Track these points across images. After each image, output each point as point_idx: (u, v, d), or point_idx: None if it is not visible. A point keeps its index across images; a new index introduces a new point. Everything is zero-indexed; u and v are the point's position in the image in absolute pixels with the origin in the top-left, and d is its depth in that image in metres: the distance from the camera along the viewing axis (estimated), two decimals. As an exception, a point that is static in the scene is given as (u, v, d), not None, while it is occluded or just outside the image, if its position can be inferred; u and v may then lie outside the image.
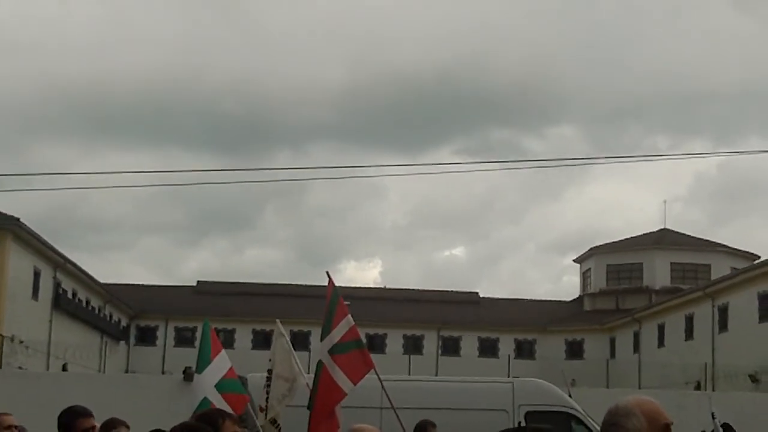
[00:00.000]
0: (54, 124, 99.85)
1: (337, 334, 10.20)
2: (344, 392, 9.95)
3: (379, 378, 10.63)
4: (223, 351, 11.01)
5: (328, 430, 9.81)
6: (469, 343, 69.30)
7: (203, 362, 10.72)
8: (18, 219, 41.82)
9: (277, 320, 12.82)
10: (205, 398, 10.24)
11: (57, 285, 49.27)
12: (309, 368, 52.46)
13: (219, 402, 9.99)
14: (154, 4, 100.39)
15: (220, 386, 10.45)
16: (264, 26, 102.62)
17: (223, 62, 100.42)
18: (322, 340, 10.48)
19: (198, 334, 68.60)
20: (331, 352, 10.13)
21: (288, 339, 12.51)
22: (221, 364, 10.69)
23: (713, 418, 9.89)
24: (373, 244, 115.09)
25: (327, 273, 10.60)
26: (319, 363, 10.20)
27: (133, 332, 68.30)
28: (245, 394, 10.71)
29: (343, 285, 10.89)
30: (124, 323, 66.00)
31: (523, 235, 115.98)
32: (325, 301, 10.50)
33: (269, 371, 11.83)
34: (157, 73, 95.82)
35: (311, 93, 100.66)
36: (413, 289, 74.87)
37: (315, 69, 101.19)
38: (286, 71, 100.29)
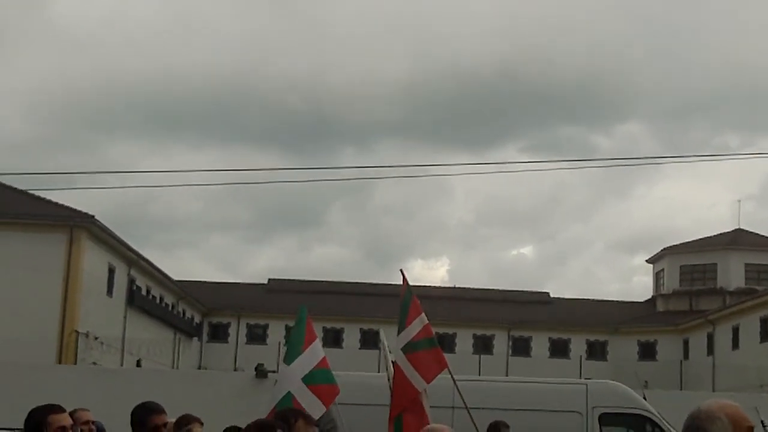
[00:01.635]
0: (122, 122, 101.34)
1: (410, 332, 10.16)
2: (418, 390, 9.90)
3: (453, 377, 10.57)
4: (318, 340, 10.48)
5: (415, 427, 9.74)
6: (540, 344, 68.79)
7: (293, 353, 10.18)
8: (93, 216, 42.44)
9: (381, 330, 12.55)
10: (289, 393, 9.80)
11: (131, 282, 49.93)
12: (379, 367, 52.49)
13: (304, 396, 9.65)
14: (218, 1, 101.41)
15: (309, 378, 9.92)
16: (327, 22, 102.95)
17: (287, 58, 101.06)
18: (397, 337, 10.43)
19: (269, 332, 69.69)
20: (405, 350, 10.11)
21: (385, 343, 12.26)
22: (314, 354, 10.15)
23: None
24: (440, 242, 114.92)
25: (401, 271, 10.56)
26: (393, 361, 10.17)
27: (205, 329, 69.02)
28: (336, 386, 10.11)
29: (410, 284, 10.75)
30: (197, 320, 66.72)
31: (591, 233, 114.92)
32: (399, 300, 10.45)
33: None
34: (223, 70, 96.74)
35: (374, 88, 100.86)
36: (483, 289, 74.57)
37: (377, 64, 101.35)
38: (350, 67, 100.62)
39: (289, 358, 10.17)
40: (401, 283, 10.60)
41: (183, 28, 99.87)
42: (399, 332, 10.31)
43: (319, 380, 9.99)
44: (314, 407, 9.59)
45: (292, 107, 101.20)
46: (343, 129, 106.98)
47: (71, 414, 6.27)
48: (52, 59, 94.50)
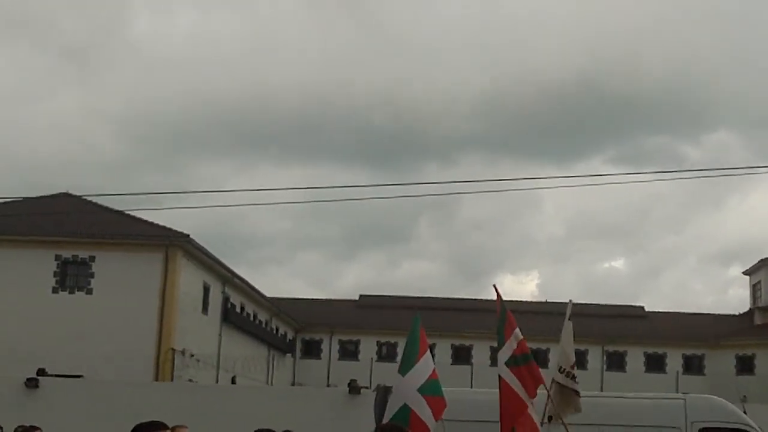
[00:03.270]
0: (208, 141, 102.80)
1: (510, 346, 10.12)
2: (526, 404, 9.84)
3: (549, 393, 10.48)
4: (428, 352, 10.33)
5: None
6: (636, 359, 67.69)
7: (408, 363, 10.00)
8: (188, 235, 43.09)
9: None
10: (405, 405, 9.64)
11: (226, 299, 50.52)
12: (472, 383, 52.33)
13: (421, 408, 9.52)
14: (300, 19, 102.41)
15: (423, 389, 9.77)
16: (408, 37, 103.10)
17: (370, 74, 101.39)
18: (498, 352, 10.37)
19: (361, 348, 69.71)
20: (508, 363, 10.07)
21: None
22: (426, 365, 10.03)
23: None
24: (529, 256, 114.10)
25: (494, 286, 10.53)
26: (498, 376, 10.11)
27: (298, 345, 69.50)
28: (444, 399, 9.94)
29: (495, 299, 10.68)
30: (290, 336, 67.22)
31: (685, 245, 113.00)
32: (496, 315, 10.41)
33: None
34: (306, 87, 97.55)
35: (457, 102, 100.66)
36: (575, 303, 73.59)
37: (459, 78, 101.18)
38: (432, 81, 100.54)
39: (403, 369, 10.01)
40: (492, 298, 10.56)
41: (266, 46, 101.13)
42: (499, 346, 10.25)
43: (432, 391, 9.85)
44: (429, 419, 9.53)
45: (376, 123, 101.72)
46: (427, 143, 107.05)
47: (171, 431, 6.34)
48: (137, 79, 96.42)
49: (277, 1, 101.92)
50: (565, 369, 11.00)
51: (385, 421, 9.62)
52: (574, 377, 11.08)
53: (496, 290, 10.53)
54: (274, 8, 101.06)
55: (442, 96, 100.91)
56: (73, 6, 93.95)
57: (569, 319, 11.58)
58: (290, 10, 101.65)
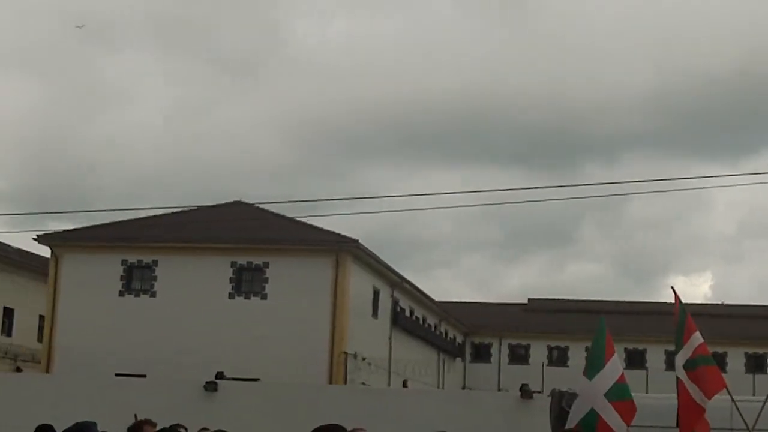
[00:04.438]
0: (372, 146, 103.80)
1: (689, 349, 9.89)
2: (703, 408, 9.61)
3: (732, 398, 10.18)
4: (616, 354, 10.17)
5: None
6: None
7: (595, 366, 9.78)
8: (357, 241, 43.68)
9: None
10: (592, 410, 9.46)
11: (395, 303, 50.95)
12: (647, 387, 51.10)
13: (608, 414, 9.33)
14: (456, 22, 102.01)
15: (610, 393, 9.54)
16: (566, 35, 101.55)
17: (528, 75, 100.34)
18: (675, 356, 10.14)
19: (531, 352, 69.15)
20: (686, 367, 9.85)
21: None
22: (614, 368, 9.86)
23: None
24: (700, 257, 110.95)
25: (672, 289, 10.32)
26: (677, 379, 9.90)
27: (468, 349, 69.45)
28: (633, 401, 9.72)
29: (669, 301, 10.41)
30: (459, 340, 67.26)
31: None
32: (674, 317, 10.19)
33: None
34: (464, 90, 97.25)
35: (619, 100, 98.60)
36: (754, 305, 71.07)
37: (621, 75, 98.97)
38: (593, 79, 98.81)
39: (590, 373, 9.81)
40: (667, 300, 10.38)
41: (425, 51, 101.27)
42: (677, 350, 10.02)
43: (620, 396, 9.62)
44: (617, 425, 9.33)
45: (537, 123, 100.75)
46: (589, 142, 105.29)
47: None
48: (302, 88, 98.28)
49: (433, 6, 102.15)
50: None
51: (571, 423, 9.47)
52: None
53: (675, 292, 10.30)
54: (431, 13, 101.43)
55: (605, 94, 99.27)
56: (235, 18, 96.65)
57: None
58: (447, 14, 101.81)
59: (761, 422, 10.77)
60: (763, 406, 10.71)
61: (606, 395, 9.57)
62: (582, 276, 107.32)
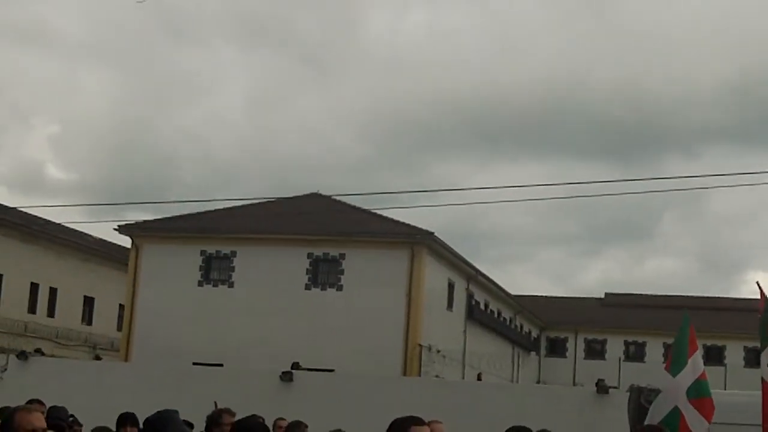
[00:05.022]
0: (448, 139, 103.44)
1: None
2: None
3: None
4: (698, 351, 9.97)
5: None
6: None
7: (679, 364, 9.66)
8: (432, 233, 43.68)
9: None
10: (676, 408, 9.36)
11: (470, 296, 50.87)
12: (725, 384, 50.36)
13: (689, 412, 9.24)
14: (533, 14, 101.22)
15: (690, 391, 9.46)
16: (645, 26, 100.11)
17: (605, 68, 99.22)
18: (760, 353, 9.92)
19: (607, 347, 68.49)
20: None
21: None
22: (695, 365, 9.71)
23: None
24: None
25: (758, 284, 10.07)
26: (761, 378, 9.70)
27: (543, 343, 69.07)
28: (712, 399, 9.55)
29: (750, 297, 10.24)
30: (534, 334, 66.92)
31: None
32: (758, 314, 9.97)
33: None
34: (542, 83, 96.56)
35: (698, 94, 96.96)
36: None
37: (700, 66, 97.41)
38: (672, 71, 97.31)
39: (674, 370, 9.69)
40: (749, 296, 10.21)
41: (502, 43, 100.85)
42: (763, 347, 9.81)
43: (701, 393, 9.54)
44: (698, 424, 9.24)
45: (615, 116, 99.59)
46: (668, 135, 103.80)
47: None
48: (376, 81, 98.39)
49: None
50: None
51: (654, 420, 9.39)
52: None
53: (760, 287, 10.08)
54: (508, 4, 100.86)
55: (683, 87, 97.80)
56: (309, 11, 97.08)
57: None
58: (524, 5, 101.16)
59: None
60: None
61: (687, 393, 9.48)
62: (661, 271, 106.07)
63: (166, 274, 43.82)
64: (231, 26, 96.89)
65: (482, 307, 53.38)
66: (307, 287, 43.57)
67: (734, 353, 63.33)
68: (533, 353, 66.15)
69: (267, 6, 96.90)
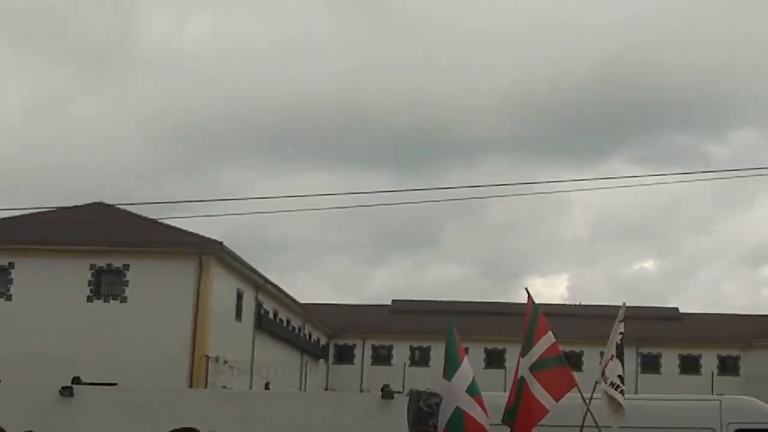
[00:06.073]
0: (231, 146, 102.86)
1: (537, 350, 10.12)
2: (546, 409, 9.84)
3: (583, 396, 10.44)
4: (466, 355, 10.60)
5: None
6: (670, 360, 67.33)
7: (452, 368, 10.22)
8: (221, 243, 43.31)
9: None
10: (457, 408, 9.84)
11: (259, 306, 50.71)
12: (505, 386, 51.92)
13: (473, 408, 9.72)
14: (321, 22, 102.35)
15: (471, 389, 10.01)
16: (424, 37, 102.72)
17: (394, 77, 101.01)
18: (522, 356, 10.36)
19: (394, 353, 69.54)
20: (533, 368, 10.05)
21: None
22: (468, 367, 10.27)
23: None
24: (558, 259, 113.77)
25: (526, 290, 10.56)
26: (521, 379, 10.10)
27: (331, 351, 69.59)
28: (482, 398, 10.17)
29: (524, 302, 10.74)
30: (323, 342, 67.34)
31: (715, 246, 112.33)
32: (524, 318, 10.40)
33: None
34: (331, 92, 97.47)
35: (476, 102, 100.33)
36: (608, 305, 73.23)
37: (483, 77, 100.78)
38: (457, 81, 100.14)
39: (449, 374, 10.16)
40: (524, 301, 10.58)
41: (289, 51, 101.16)
42: (526, 351, 10.25)
43: (478, 392, 10.07)
44: (483, 419, 9.62)
45: (405, 126, 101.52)
46: (450, 145, 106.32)
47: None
48: (163, 84, 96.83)
49: (295, 6, 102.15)
50: (608, 379, 10.73)
51: (440, 427, 9.71)
52: (617, 387, 10.74)
53: (528, 293, 10.53)
54: (297, 13, 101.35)
55: (468, 96, 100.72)
56: (91, 11, 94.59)
57: (621, 321, 11.37)
58: (311, 14, 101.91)
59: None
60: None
61: (467, 391, 9.87)
62: (445, 278, 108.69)
63: (-64, 287, 41.65)
64: (3, 30, 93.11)
65: (271, 316, 53.31)
66: (89, 299, 42.42)
67: (514, 356, 65.06)
68: (322, 361, 66.57)
69: (43, 9, 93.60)
